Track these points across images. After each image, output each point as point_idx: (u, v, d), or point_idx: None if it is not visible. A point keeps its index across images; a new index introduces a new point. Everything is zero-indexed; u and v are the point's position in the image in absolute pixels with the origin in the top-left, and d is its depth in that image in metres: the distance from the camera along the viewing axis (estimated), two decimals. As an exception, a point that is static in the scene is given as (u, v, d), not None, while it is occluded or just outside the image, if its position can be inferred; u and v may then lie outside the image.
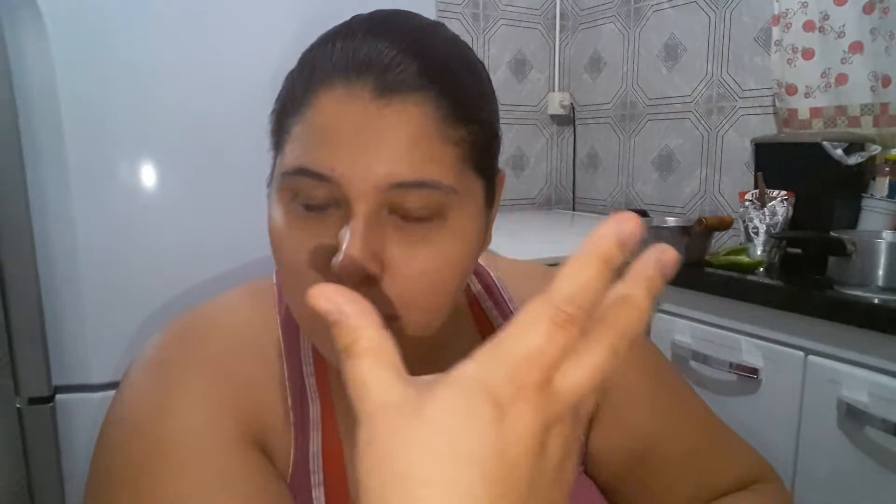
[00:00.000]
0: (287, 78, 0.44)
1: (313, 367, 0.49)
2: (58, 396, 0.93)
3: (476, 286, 0.58)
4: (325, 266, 0.39)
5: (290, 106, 0.41)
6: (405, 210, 0.39)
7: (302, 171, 0.39)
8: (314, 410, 0.47)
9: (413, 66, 0.39)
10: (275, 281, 0.53)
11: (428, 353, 0.44)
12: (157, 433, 0.41)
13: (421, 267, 0.40)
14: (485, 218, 0.45)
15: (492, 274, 0.59)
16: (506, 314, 0.57)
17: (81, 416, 0.94)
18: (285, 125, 0.42)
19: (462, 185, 0.41)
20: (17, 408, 0.92)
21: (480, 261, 0.58)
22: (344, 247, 0.37)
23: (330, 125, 0.38)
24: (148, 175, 0.93)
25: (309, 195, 0.39)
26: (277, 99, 0.44)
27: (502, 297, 0.58)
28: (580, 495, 0.53)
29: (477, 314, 0.57)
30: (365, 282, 0.38)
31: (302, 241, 0.40)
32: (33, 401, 0.91)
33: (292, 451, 0.46)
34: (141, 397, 0.44)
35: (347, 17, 0.46)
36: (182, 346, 0.47)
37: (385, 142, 0.38)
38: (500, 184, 0.47)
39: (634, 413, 0.57)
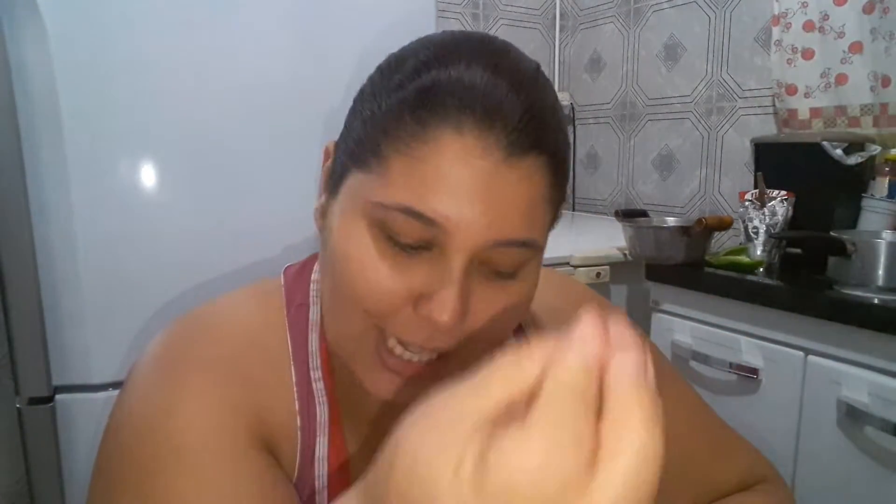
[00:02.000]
0: (389, 87, 0.41)
1: (321, 371, 0.48)
2: (58, 396, 0.93)
3: None
4: (405, 304, 0.39)
5: (396, 128, 0.39)
6: (495, 264, 0.40)
7: (410, 212, 0.38)
8: (321, 414, 0.47)
9: (537, 128, 0.38)
10: (282, 283, 0.52)
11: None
12: (165, 434, 0.41)
13: (497, 311, 0.41)
14: (539, 269, 0.46)
15: None
16: None
17: (81, 416, 0.94)
18: (383, 145, 0.39)
19: (545, 241, 0.43)
20: (17, 408, 0.92)
21: None
22: (439, 303, 0.38)
23: (454, 173, 0.37)
24: (148, 175, 0.93)
25: (402, 232, 0.38)
26: (368, 100, 0.42)
27: None
28: None
29: None
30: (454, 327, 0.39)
31: (387, 275, 0.39)
32: (33, 401, 0.91)
33: (298, 454, 0.46)
34: (148, 398, 0.43)
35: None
36: (188, 346, 0.46)
37: (506, 203, 0.38)
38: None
39: None
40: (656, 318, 1.34)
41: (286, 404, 0.46)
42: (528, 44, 2.23)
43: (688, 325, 1.27)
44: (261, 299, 0.51)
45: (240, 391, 0.44)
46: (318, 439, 0.46)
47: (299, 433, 0.46)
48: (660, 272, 1.32)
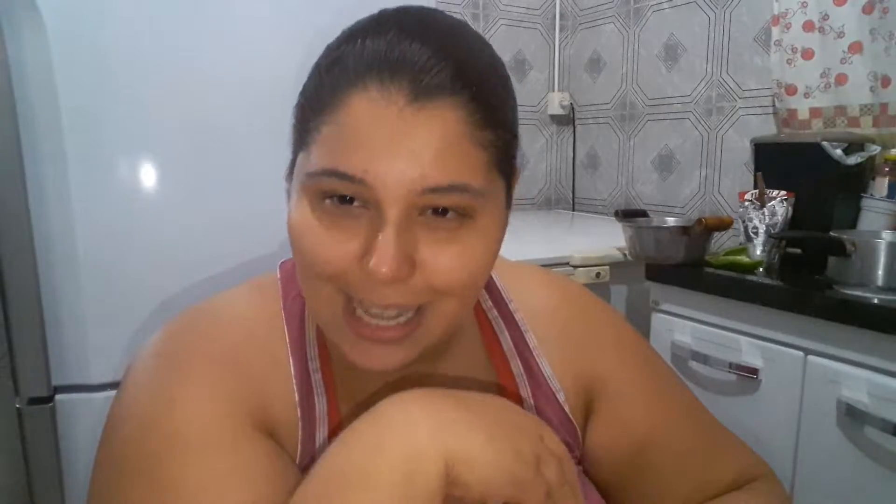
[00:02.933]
0: (313, 73, 0.43)
1: (318, 361, 0.49)
2: (58, 396, 0.93)
3: None
4: (351, 263, 0.40)
5: (317, 104, 0.41)
6: (436, 208, 0.40)
7: (333, 173, 0.39)
8: (321, 405, 0.48)
9: (447, 69, 0.39)
10: (278, 276, 0.53)
11: (437, 343, 0.47)
12: (169, 425, 0.42)
13: (450, 264, 0.41)
14: (505, 217, 0.47)
15: (493, 274, 0.59)
16: (505, 314, 0.58)
17: (81, 416, 0.94)
18: (312, 123, 0.41)
19: (488, 188, 0.42)
20: (17, 408, 0.92)
21: None
22: (377, 255, 0.38)
23: (363, 128, 0.38)
24: (148, 175, 0.93)
25: (337, 194, 0.40)
26: (302, 93, 0.44)
27: (502, 297, 0.58)
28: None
29: (477, 311, 0.58)
30: (399, 281, 0.39)
31: (327, 236, 0.41)
32: (33, 401, 0.91)
33: (299, 445, 0.46)
34: (150, 390, 0.44)
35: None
36: (188, 340, 0.47)
37: (419, 147, 0.38)
38: (515, 181, 0.49)
39: (630, 408, 0.58)
40: (656, 318, 1.35)
41: (286, 396, 0.47)
42: (528, 44, 2.23)
43: (688, 325, 1.27)
44: (257, 293, 0.52)
45: (240, 383, 0.45)
46: (318, 430, 0.47)
47: (300, 424, 0.46)
48: (660, 272, 1.32)
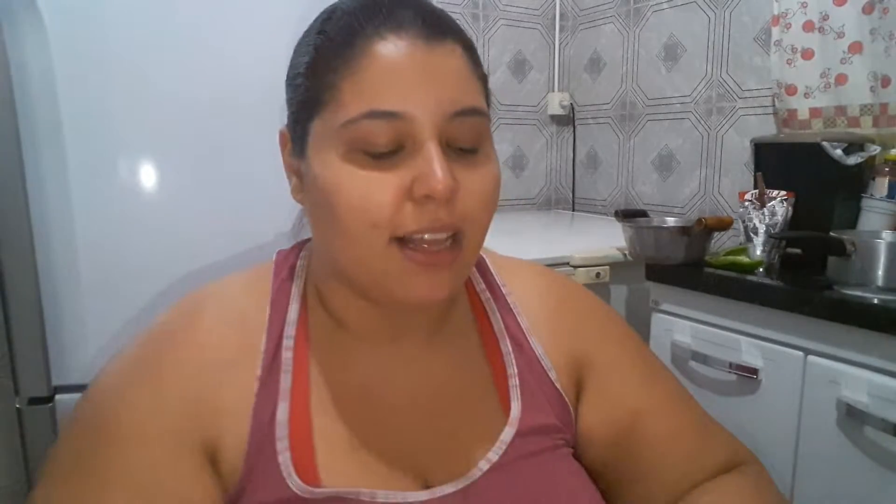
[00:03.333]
0: (307, 46, 0.48)
1: (294, 340, 0.52)
2: (58, 396, 0.93)
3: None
4: (403, 199, 0.44)
5: (330, 61, 0.45)
6: (458, 142, 0.46)
7: (372, 114, 0.43)
8: (285, 381, 0.50)
9: (436, 17, 0.46)
10: (273, 259, 0.58)
11: (434, 320, 0.54)
12: (116, 418, 0.46)
13: (479, 187, 0.47)
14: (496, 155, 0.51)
15: (486, 260, 0.63)
16: (497, 297, 0.61)
17: (81, 416, 0.94)
18: (328, 82, 0.45)
19: (488, 119, 0.49)
20: (17, 408, 0.92)
21: None
22: (431, 177, 0.43)
23: (392, 69, 0.43)
24: (148, 175, 0.93)
25: (373, 141, 0.44)
26: (296, 67, 0.49)
27: (495, 281, 0.62)
28: (566, 480, 0.54)
29: (470, 293, 0.61)
30: (448, 201, 0.44)
31: (375, 182, 0.44)
32: (33, 401, 0.91)
33: (251, 414, 0.49)
34: (114, 379, 0.49)
35: None
36: (165, 343, 0.51)
37: (444, 77, 0.44)
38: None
39: (620, 384, 0.60)
40: (656, 318, 1.35)
41: (250, 371, 0.50)
42: (528, 44, 2.23)
43: (688, 325, 1.27)
44: (250, 278, 0.57)
45: (200, 389, 0.48)
46: (279, 404, 0.49)
47: (255, 397, 0.49)
48: (660, 272, 1.32)
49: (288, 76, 0.51)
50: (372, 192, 0.44)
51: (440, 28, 0.45)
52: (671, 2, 1.91)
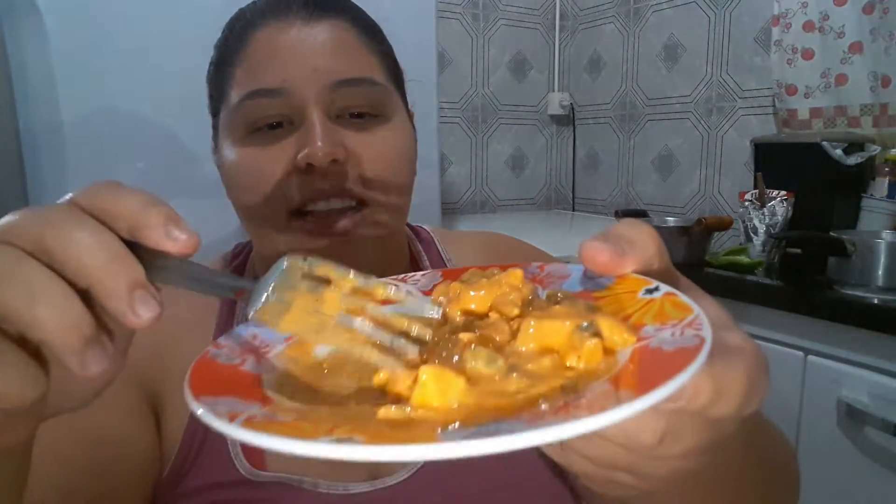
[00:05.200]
0: (219, 41, 0.51)
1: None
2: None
3: (417, 246, 0.63)
4: (290, 168, 0.45)
5: (227, 56, 0.48)
6: (351, 109, 0.46)
7: (254, 93, 0.45)
8: None
9: (328, 0, 0.48)
10: (229, 252, 0.60)
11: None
12: None
13: (377, 152, 0.47)
14: (412, 133, 0.52)
15: (434, 235, 0.64)
16: (437, 265, 0.61)
17: (81, 416, 0.94)
18: (226, 74, 0.48)
19: (390, 90, 0.49)
20: (17, 408, 0.91)
21: (427, 228, 0.65)
22: (310, 143, 0.43)
23: (271, 49, 0.45)
24: (148, 175, 0.93)
25: (259, 119, 0.45)
26: (212, 61, 0.52)
27: (441, 256, 0.62)
28: (521, 459, 0.53)
29: (416, 269, 0.61)
30: (334, 167, 0.44)
31: (263, 156, 0.45)
32: (33, 401, 0.91)
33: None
34: None
35: None
36: None
37: (323, 49, 0.46)
38: (412, 119, 0.55)
39: None
40: (656, 318, 1.34)
41: (200, 344, 0.49)
42: (528, 44, 2.23)
43: (688, 325, 1.27)
44: (207, 261, 0.57)
45: (151, 350, 0.47)
46: None
47: None
48: (660, 272, 1.32)
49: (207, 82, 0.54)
50: (261, 166, 0.45)
51: (322, 6, 0.47)
52: (671, 2, 1.91)
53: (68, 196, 0.26)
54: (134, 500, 0.45)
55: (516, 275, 0.29)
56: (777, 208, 1.30)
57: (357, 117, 0.47)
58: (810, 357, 1.06)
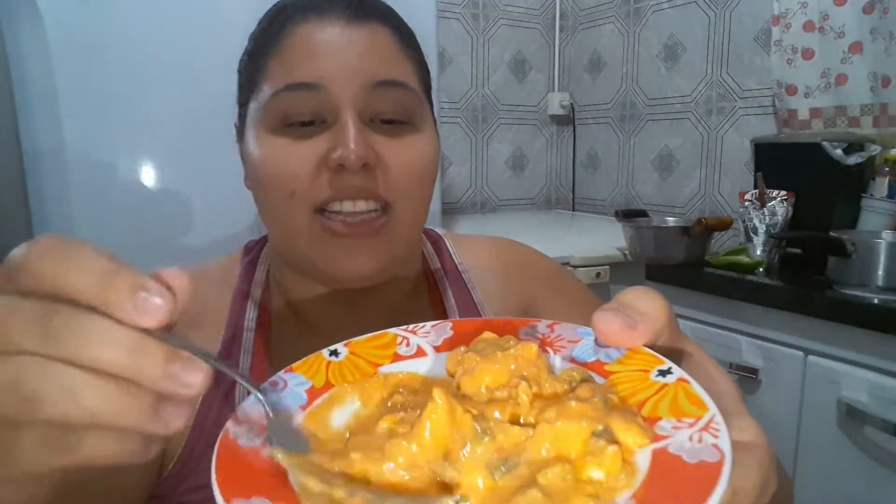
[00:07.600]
0: (255, 32, 0.51)
1: (255, 322, 0.53)
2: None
3: (428, 248, 0.63)
4: (320, 167, 0.45)
5: (264, 46, 0.48)
6: (382, 115, 0.47)
7: (291, 87, 0.45)
8: (244, 362, 0.51)
9: (369, 4, 0.48)
10: (242, 248, 0.60)
11: (391, 306, 0.54)
12: None
13: (407, 160, 0.47)
14: (438, 141, 0.52)
15: (446, 240, 0.65)
16: (455, 275, 0.62)
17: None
18: (260, 66, 0.47)
19: (422, 98, 0.50)
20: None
21: (438, 231, 0.65)
22: (343, 143, 0.43)
23: (310, 45, 0.45)
24: (148, 174, 0.93)
25: (293, 113, 0.45)
26: (246, 51, 0.51)
27: (452, 259, 0.63)
28: None
29: (427, 273, 0.62)
30: (364, 170, 0.45)
31: (294, 151, 0.45)
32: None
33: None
34: None
35: None
36: None
37: (363, 51, 0.46)
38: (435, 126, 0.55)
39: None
40: (656, 318, 1.35)
41: (210, 343, 0.51)
42: (528, 44, 2.23)
43: (688, 325, 1.27)
44: (223, 256, 0.58)
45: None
46: (241, 362, 0.50)
47: (219, 356, 0.49)
48: (660, 272, 1.32)
49: (238, 69, 0.53)
50: (290, 161, 0.45)
51: (364, 11, 0.47)
52: (671, 2, 1.91)
53: (21, 266, 0.24)
54: (134, 499, 0.45)
55: (531, 349, 0.30)
56: (777, 208, 1.30)
57: (387, 123, 0.47)
58: (810, 357, 1.06)
